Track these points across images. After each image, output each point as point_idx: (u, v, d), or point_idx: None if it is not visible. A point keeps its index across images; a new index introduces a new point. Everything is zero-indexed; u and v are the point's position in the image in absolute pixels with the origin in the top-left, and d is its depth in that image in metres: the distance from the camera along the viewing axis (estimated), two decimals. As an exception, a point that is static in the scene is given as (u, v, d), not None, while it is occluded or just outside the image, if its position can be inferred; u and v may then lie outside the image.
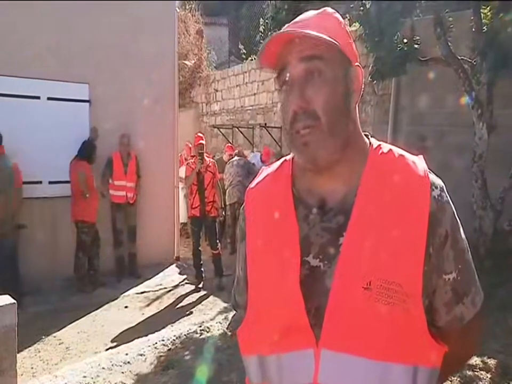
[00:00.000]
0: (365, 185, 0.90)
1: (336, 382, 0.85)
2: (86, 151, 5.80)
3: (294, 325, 0.88)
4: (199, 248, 6.04)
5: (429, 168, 0.94)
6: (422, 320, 0.86)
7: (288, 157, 1.05)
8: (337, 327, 0.85)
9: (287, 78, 0.91)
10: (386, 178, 0.90)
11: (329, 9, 0.97)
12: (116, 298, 5.51)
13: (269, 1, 7.45)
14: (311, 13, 0.95)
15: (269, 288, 0.93)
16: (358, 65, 0.95)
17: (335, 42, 0.88)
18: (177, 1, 7.63)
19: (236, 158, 7.79)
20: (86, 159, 5.77)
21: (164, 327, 4.55)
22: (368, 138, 0.99)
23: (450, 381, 3.05)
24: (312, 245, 0.91)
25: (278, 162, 1.06)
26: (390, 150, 0.95)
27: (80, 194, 5.64)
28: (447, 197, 0.92)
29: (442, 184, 0.93)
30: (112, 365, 3.54)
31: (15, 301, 2.90)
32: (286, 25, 0.95)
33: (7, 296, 2.95)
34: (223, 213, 7.78)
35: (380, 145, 0.97)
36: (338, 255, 0.87)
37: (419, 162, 0.93)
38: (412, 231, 0.86)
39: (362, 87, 0.97)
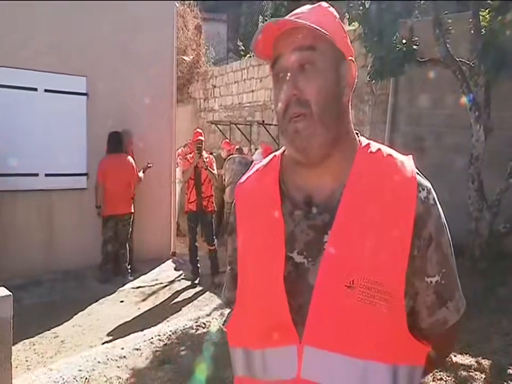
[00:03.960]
0: (351, 184, 0.90)
1: (318, 378, 0.87)
2: (121, 143, 5.94)
3: (277, 322, 0.90)
4: (196, 243, 6.05)
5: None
6: (403, 320, 0.87)
7: (277, 152, 1.05)
8: (320, 325, 0.86)
9: (280, 68, 0.92)
10: (373, 177, 0.90)
11: (324, 3, 0.98)
12: (112, 293, 5.50)
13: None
14: (306, 7, 0.96)
15: (254, 283, 0.94)
16: (352, 60, 0.96)
17: (328, 34, 0.88)
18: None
19: (237, 155, 7.77)
20: (122, 151, 5.92)
21: (159, 322, 4.56)
22: (358, 136, 0.99)
23: (445, 381, 3.08)
24: (297, 241, 0.91)
25: (268, 158, 1.07)
26: (379, 149, 0.95)
27: (131, 186, 5.91)
28: (434, 199, 0.92)
29: (429, 185, 0.93)
30: (108, 359, 3.54)
31: (10, 293, 2.90)
32: (282, 18, 0.96)
33: (3, 288, 2.95)
34: (222, 210, 7.80)
35: (368, 143, 0.97)
36: (322, 252, 0.88)
37: (407, 162, 0.93)
38: (397, 232, 0.86)
39: (355, 81, 0.97)
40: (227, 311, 4.45)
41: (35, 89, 5.85)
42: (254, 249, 0.96)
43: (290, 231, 0.92)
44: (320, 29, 0.87)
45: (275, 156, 1.05)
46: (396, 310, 0.86)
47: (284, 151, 1.03)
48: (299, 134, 0.89)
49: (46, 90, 5.92)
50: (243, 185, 1.06)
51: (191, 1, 13.38)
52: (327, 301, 0.86)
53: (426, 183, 0.93)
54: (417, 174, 0.92)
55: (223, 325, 3.71)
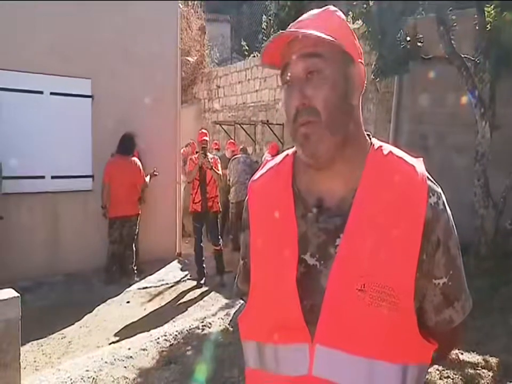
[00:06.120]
0: (363, 189, 0.91)
1: (329, 375, 0.89)
2: (132, 146, 5.97)
3: (290, 320, 0.91)
4: (201, 244, 6.06)
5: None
6: (413, 322, 0.89)
7: (290, 152, 1.06)
8: (331, 325, 0.88)
9: (288, 76, 0.93)
10: (384, 182, 0.91)
11: (331, 7, 0.98)
12: (118, 294, 5.53)
13: (272, -1, 7.44)
14: (313, 12, 0.97)
15: (267, 283, 0.96)
16: (361, 62, 0.96)
17: (332, 39, 0.89)
18: (180, -2, 7.64)
19: (242, 155, 7.77)
20: (132, 154, 5.95)
21: (165, 323, 4.57)
22: (370, 138, 0.99)
23: (452, 379, 3.07)
24: (309, 243, 0.93)
25: (281, 156, 1.07)
26: (390, 152, 0.96)
27: (137, 188, 5.93)
28: (443, 204, 0.93)
29: (439, 190, 0.94)
30: (115, 360, 3.56)
31: (19, 295, 2.92)
32: (291, 24, 0.97)
33: (11, 290, 2.97)
34: (227, 210, 7.80)
35: (380, 146, 0.97)
36: (334, 255, 0.89)
37: (418, 167, 0.93)
38: (407, 237, 0.87)
39: (365, 84, 0.97)
40: (232, 311, 4.48)
41: (41, 92, 5.89)
42: (266, 247, 0.98)
43: (302, 233, 0.94)
44: (325, 36, 0.88)
45: (287, 155, 1.06)
46: (406, 313, 0.87)
47: (296, 151, 1.03)
48: (308, 138, 0.90)
49: (51, 93, 5.96)
50: (256, 182, 1.07)
51: (195, 3, 13.41)
52: (338, 303, 0.88)
53: (437, 188, 0.93)
54: (428, 179, 0.93)
55: (229, 324, 3.71)
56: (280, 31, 0.93)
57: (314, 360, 0.89)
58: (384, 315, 0.86)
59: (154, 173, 6.29)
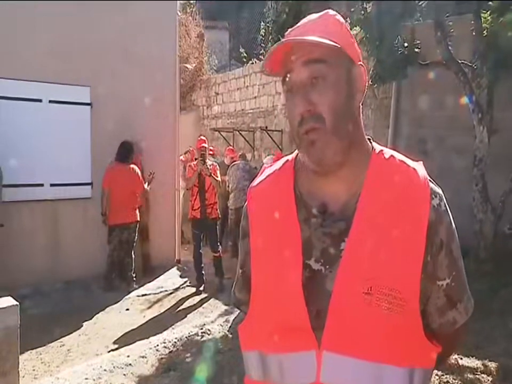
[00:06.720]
0: (366, 193, 0.91)
1: (337, 381, 0.88)
2: (131, 153, 5.96)
3: (295, 327, 0.90)
4: (200, 250, 6.05)
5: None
6: (419, 324, 0.89)
7: (290, 157, 1.06)
8: (338, 330, 0.88)
9: (292, 83, 0.92)
10: (387, 186, 0.92)
11: (330, 11, 0.98)
12: (117, 301, 5.51)
13: (270, 4, 7.48)
14: (312, 17, 0.97)
15: (271, 289, 0.95)
16: (361, 64, 0.97)
17: (336, 44, 0.89)
18: (178, 4, 7.66)
19: (241, 161, 7.78)
20: (130, 161, 5.94)
21: (165, 330, 4.55)
22: (371, 142, 0.99)
23: (451, 384, 3.06)
24: (313, 248, 0.92)
25: (280, 162, 1.07)
26: (392, 156, 0.96)
27: (136, 196, 5.90)
28: (445, 205, 0.93)
29: (441, 192, 0.95)
30: (114, 367, 3.54)
31: (17, 303, 2.91)
32: (290, 29, 0.97)
33: (9, 298, 2.96)
34: (226, 217, 7.80)
35: (382, 150, 0.98)
36: (339, 260, 0.89)
37: (420, 170, 0.94)
38: (411, 240, 0.88)
39: (366, 86, 0.98)
40: (232, 317, 4.47)
41: (40, 100, 5.89)
42: (269, 254, 0.97)
43: (306, 238, 0.93)
44: (328, 42, 0.88)
45: (287, 160, 1.05)
46: (412, 316, 0.88)
47: (296, 156, 1.03)
48: (314, 145, 0.90)
49: (50, 101, 5.96)
50: (256, 188, 1.06)
51: (193, 10, 13.46)
52: (345, 307, 0.87)
53: (438, 190, 0.94)
54: (430, 181, 0.94)
55: (228, 331, 3.70)
56: (281, 37, 0.93)
57: (321, 367, 0.88)
58: (391, 318, 0.86)
59: (151, 176, 6.25)
